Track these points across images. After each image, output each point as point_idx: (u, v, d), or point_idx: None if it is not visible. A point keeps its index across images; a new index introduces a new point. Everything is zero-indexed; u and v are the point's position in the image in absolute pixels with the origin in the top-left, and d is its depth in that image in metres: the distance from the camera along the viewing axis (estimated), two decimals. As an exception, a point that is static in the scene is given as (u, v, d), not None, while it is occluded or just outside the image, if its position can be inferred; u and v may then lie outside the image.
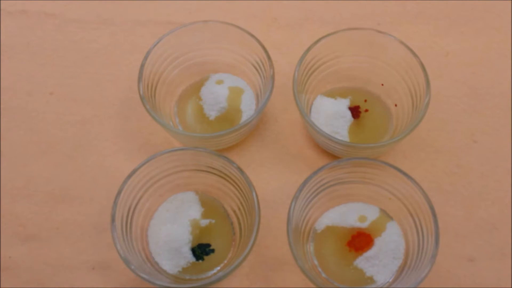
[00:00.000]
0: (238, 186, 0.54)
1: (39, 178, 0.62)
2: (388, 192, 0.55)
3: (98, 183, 0.61)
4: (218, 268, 0.55)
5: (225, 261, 0.55)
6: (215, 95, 0.63)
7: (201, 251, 0.55)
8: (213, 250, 0.55)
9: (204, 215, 0.57)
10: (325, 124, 0.61)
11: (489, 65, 0.68)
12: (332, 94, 0.64)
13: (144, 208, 0.56)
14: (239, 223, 0.56)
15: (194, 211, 0.57)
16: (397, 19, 0.72)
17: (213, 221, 0.57)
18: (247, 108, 0.63)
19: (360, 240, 0.55)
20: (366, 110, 0.63)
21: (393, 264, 0.54)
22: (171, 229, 0.55)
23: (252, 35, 0.60)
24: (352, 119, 0.62)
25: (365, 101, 0.64)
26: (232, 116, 0.63)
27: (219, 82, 0.64)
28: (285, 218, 0.50)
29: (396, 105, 0.63)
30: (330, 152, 0.61)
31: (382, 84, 0.63)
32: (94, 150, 0.63)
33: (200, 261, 0.55)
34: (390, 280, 0.53)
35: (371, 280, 0.53)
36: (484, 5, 0.73)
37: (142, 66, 0.59)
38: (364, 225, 0.56)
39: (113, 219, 0.50)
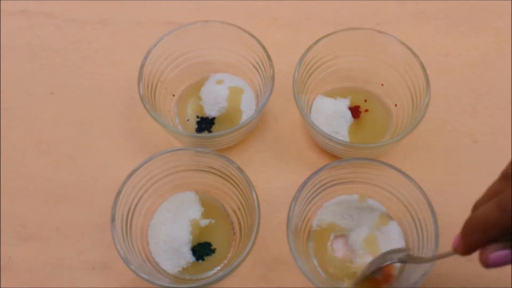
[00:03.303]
0: (238, 186, 0.54)
1: (39, 178, 0.62)
2: (388, 192, 0.55)
3: (98, 183, 0.61)
4: (218, 268, 0.55)
5: (225, 261, 0.55)
6: (215, 95, 0.63)
7: (202, 250, 0.55)
8: (214, 250, 0.55)
9: (204, 215, 0.57)
10: (325, 124, 0.61)
11: (489, 65, 0.68)
12: (332, 94, 0.64)
13: (144, 208, 0.56)
14: (239, 223, 0.56)
15: (194, 211, 0.57)
16: (397, 19, 0.72)
17: (213, 221, 0.57)
18: (247, 108, 0.63)
19: (360, 240, 0.55)
20: (366, 110, 0.63)
21: (393, 264, 0.54)
22: (171, 229, 0.55)
23: (252, 35, 0.60)
24: (352, 119, 0.62)
25: (365, 101, 0.64)
26: (232, 116, 0.63)
27: (219, 82, 0.64)
28: (285, 218, 0.50)
29: (396, 105, 0.63)
30: (330, 152, 0.61)
31: (382, 84, 0.63)
32: (94, 150, 0.63)
33: (200, 261, 0.55)
34: (390, 280, 0.53)
35: (371, 280, 0.53)
36: (484, 5, 0.73)
37: (142, 66, 0.59)
38: (364, 225, 0.56)
39: (113, 219, 0.50)
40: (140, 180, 0.54)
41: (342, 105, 0.62)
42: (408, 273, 0.52)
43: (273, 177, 0.61)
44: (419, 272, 0.48)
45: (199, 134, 0.61)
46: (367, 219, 0.56)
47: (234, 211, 0.57)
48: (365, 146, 0.57)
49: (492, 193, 0.37)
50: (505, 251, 0.36)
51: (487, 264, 0.36)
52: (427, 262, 0.47)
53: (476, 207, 0.38)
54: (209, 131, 0.62)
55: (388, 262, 0.49)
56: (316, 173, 0.52)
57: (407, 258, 0.49)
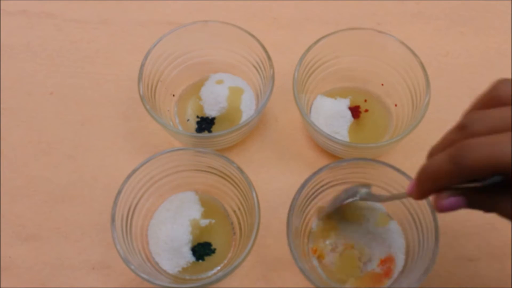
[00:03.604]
0: (238, 186, 0.54)
1: (39, 178, 0.62)
2: (388, 192, 0.55)
3: (98, 183, 0.61)
4: (218, 268, 0.55)
5: (225, 261, 0.55)
6: (215, 95, 0.63)
7: (202, 250, 0.55)
8: (214, 250, 0.55)
9: (204, 215, 0.57)
10: (325, 124, 0.61)
11: (489, 65, 0.68)
12: (332, 94, 0.64)
13: (144, 208, 0.56)
14: (239, 223, 0.56)
15: (194, 211, 0.57)
16: (397, 19, 0.72)
17: (213, 221, 0.57)
18: (247, 108, 0.63)
19: (360, 240, 0.55)
20: (366, 110, 0.63)
21: (393, 264, 0.54)
22: (171, 229, 0.55)
23: (252, 35, 0.60)
24: (352, 119, 0.62)
25: (365, 101, 0.64)
26: (232, 116, 0.63)
27: (219, 82, 0.64)
28: (285, 218, 0.50)
29: (396, 105, 0.63)
30: (330, 152, 0.61)
31: (382, 84, 0.63)
32: (94, 150, 0.63)
33: (200, 261, 0.55)
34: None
35: (371, 280, 0.53)
36: (484, 5, 0.73)
37: (142, 66, 0.59)
38: (364, 225, 0.56)
39: (113, 219, 0.50)
40: (140, 180, 0.54)
41: (342, 105, 0.62)
42: (409, 272, 0.52)
43: (273, 177, 0.61)
44: (419, 271, 0.48)
45: (199, 134, 0.61)
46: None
47: (234, 211, 0.57)
48: (365, 146, 0.57)
49: (446, 142, 0.37)
50: (456, 198, 0.37)
51: (440, 209, 0.38)
52: (385, 201, 0.49)
53: (431, 154, 0.39)
54: (209, 131, 0.62)
55: (350, 200, 0.50)
56: (315, 174, 0.52)
57: (367, 195, 0.50)
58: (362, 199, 0.50)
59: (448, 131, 0.38)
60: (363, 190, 0.50)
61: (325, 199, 0.56)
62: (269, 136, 0.64)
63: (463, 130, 0.36)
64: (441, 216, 0.51)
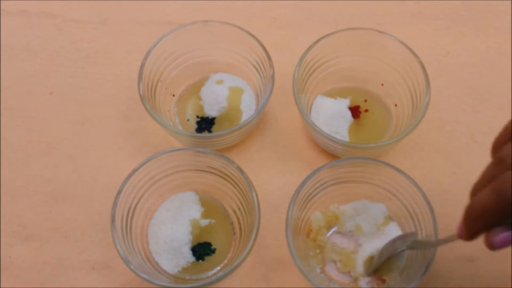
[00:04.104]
0: (238, 186, 0.54)
1: (39, 178, 0.62)
2: (388, 192, 0.55)
3: (98, 183, 0.61)
4: (218, 268, 0.55)
5: (225, 261, 0.55)
6: (215, 95, 0.63)
7: (202, 250, 0.55)
8: (214, 250, 0.55)
9: (204, 215, 0.57)
10: (325, 124, 0.61)
11: (489, 65, 0.68)
12: (332, 94, 0.64)
13: (144, 208, 0.56)
14: (239, 223, 0.56)
15: (194, 211, 0.57)
16: (397, 19, 0.72)
17: (213, 221, 0.57)
18: (247, 108, 0.63)
19: (360, 240, 0.55)
20: (366, 110, 0.63)
21: (393, 264, 0.54)
22: (171, 229, 0.55)
23: (252, 35, 0.60)
24: (352, 119, 0.62)
25: (365, 101, 0.64)
26: (232, 116, 0.63)
27: (219, 82, 0.64)
28: (285, 218, 0.50)
29: (396, 105, 0.63)
30: (330, 152, 0.61)
31: (382, 84, 0.63)
32: (94, 150, 0.63)
33: (200, 261, 0.55)
34: (390, 280, 0.53)
35: (371, 280, 0.53)
36: (484, 5, 0.73)
37: (142, 66, 0.59)
38: (364, 225, 0.56)
39: (113, 219, 0.50)
40: (140, 180, 0.54)
41: (342, 105, 0.62)
42: (407, 273, 0.52)
43: (273, 177, 0.61)
44: (418, 272, 0.48)
45: (199, 134, 0.61)
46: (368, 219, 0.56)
47: (234, 211, 0.57)
48: (365, 146, 0.57)
49: (487, 177, 0.37)
50: (507, 233, 0.36)
51: (492, 247, 0.37)
52: (433, 246, 0.48)
53: (473, 192, 0.39)
54: (209, 131, 0.62)
55: (398, 250, 0.50)
56: (314, 172, 0.52)
57: (415, 244, 0.49)
58: (409, 248, 0.49)
59: (486, 168, 0.38)
60: (410, 239, 0.49)
61: (324, 198, 0.56)
62: (269, 136, 0.64)
63: (501, 164, 0.36)
64: (441, 216, 0.51)
